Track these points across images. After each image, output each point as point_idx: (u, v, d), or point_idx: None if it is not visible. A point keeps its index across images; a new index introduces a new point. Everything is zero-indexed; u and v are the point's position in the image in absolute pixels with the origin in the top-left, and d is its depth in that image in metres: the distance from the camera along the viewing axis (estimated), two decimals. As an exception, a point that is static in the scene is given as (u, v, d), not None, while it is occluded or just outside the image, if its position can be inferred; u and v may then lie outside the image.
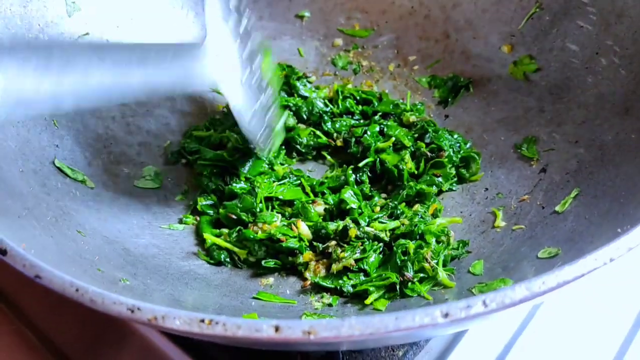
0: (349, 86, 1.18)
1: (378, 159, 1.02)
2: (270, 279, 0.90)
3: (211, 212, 1.00)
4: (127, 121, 1.08)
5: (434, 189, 0.98)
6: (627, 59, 0.94)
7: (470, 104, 1.12)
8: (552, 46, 1.07)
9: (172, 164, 1.08)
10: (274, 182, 1.00)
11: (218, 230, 0.95)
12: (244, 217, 0.94)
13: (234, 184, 1.00)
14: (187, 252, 0.94)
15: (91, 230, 0.87)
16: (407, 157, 1.01)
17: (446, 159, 1.00)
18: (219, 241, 0.93)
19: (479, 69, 1.15)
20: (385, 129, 1.07)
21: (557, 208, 0.88)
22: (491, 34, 1.14)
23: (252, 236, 0.91)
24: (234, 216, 0.94)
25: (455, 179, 1.01)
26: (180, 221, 0.99)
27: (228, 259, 0.93)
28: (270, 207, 0.96)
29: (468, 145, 1.05)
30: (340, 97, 1.13)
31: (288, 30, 1.25)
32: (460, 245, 0.90)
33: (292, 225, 0.92)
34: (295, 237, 0.91)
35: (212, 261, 0.92)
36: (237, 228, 0.93)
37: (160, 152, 1.09)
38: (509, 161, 1.02)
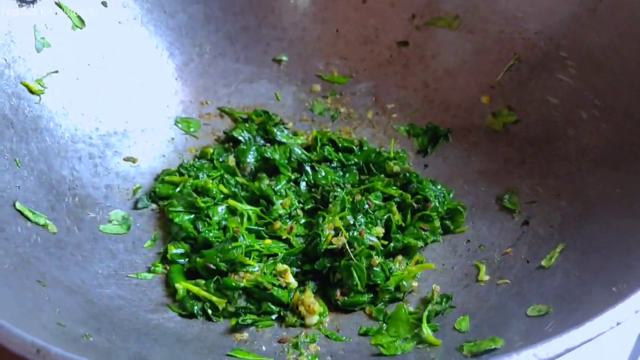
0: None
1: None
2: (245, 334, 0.85)
3: (182, 261, 0.94)
4: (94, 162, 1.02)
5: (420, 243, 0.94)
6: (607, 112, 0.95)
7: (450, 154, 1.11)
8: (531, 98, 1.07)
9: (142, 208, 1.02)
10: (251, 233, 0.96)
11: (193, 281, 0.90)
12: (223, 267, 0.88)
13: (207, 232, 0.95)
14: (156, 304, 0.88)
15: (52, 279, 0.81)
16: (394, 208, 0.97)
17: (434, 212, 0.97)
18: (196, 289, 0.87)
19: (458, 119, 1.14)
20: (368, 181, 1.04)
21: (543, 263, 0.85)
22: (470, 85, 1.14)
23: (234, 284, 0.86)
24: (212, 266, 0.88)
25: (441, 231, 0.98)
26: (149, 270, 0.93)
27: (201, 312, 0.87)
28: (250, 256, 0.91)
29: (451, 196, 1.02)
30: (319, 144, 1.10)
31: (265, 74, 1.22)
32: (444, 299, 0.87)
33: (279, 276, 0.88)
34: (282, 287, 0.88)
35: (184, 313, 0.87)
36: (215, 278, 0.88)
37: (128, 196, 1.03)
38: (491, 213, 0.99)
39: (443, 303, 0.86)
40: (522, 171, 1.02)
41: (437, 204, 0.99)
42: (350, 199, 0.98)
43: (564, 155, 0.98)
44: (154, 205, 1.03)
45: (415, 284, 0.91)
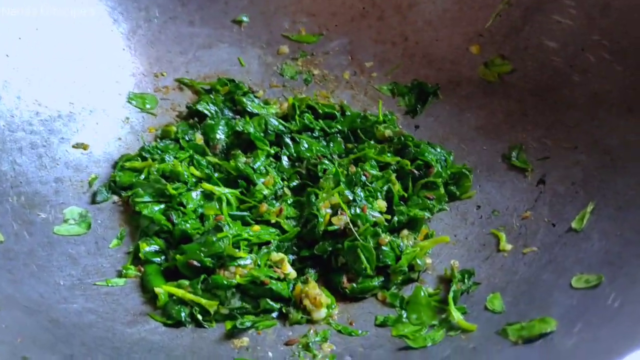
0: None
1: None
2: (245, 339, 0.72)
3: (158, 259, 0.80)
4: (38, 152, 0.88)
5: (427, 214, 0.84)
6: (620, 53, 0.86)
7: (442, 112, 1.00)
8: (527, 44, 0.97)
9: (101, 202, 0.87)
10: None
11: (175, 282, 0.76)
12: (209, 263, 0.75)
13: (183, 223, 0.81)
14: (135, 314, 0.75)
15: (5, 299, 0.68)
16: (393, 177, 0.86)
17: (437, 178, 0.86)
18: (181, 292, 0.74)
19: (444, 73, 1.03)
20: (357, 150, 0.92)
21: (574, 225, 0.76)
22: (455, 35, 1.03)
23: (225, 282, 0.73)
24: (196, 263, 0.75)
25: (446, 199, 0.87)
26: (120, 274, 0.80)
27: (189, 318, 0.73)
28: (238, 247, 0.78)
29: (452, 158, 0.91)
30: (297, 112, 0.97)
31: (225, 37, 1.07)
32: (466, 276, 0.77)
33: (275, 267, 0.76)
34: (280, 279, 0.76)
35: (169, 321, 0.74)
36: (202, 276, 0.75)
37: (84, 189, 0.88)
38: (499, 173, 0.90)
39: (466, 280, 0.76)
40: (526, 124, 0.93)
41: (439, 169, 0.88)
42: (344, 171, 0.86)
43: (571, 103, 0.90)
44: (115, 197, 0.89)
45: (429, 261, 0.81)
